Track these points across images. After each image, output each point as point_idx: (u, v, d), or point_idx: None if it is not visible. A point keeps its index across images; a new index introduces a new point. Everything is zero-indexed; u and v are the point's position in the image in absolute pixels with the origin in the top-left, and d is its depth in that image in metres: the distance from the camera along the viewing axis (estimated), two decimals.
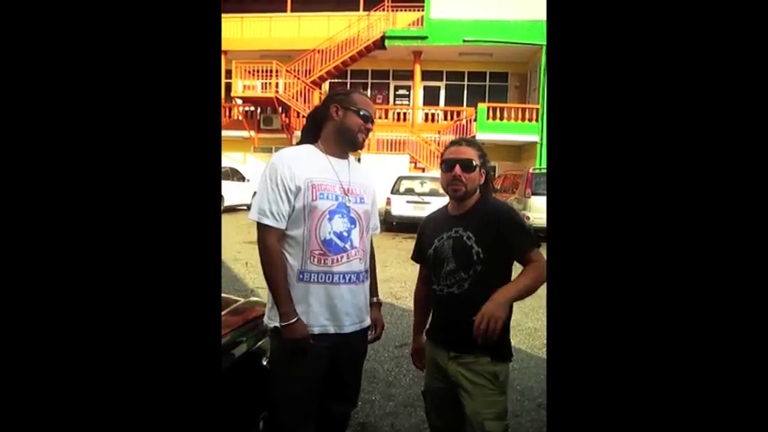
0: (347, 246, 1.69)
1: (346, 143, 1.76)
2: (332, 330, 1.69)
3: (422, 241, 1.87)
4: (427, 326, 1.91)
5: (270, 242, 1.64)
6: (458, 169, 1.69)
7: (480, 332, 1.47)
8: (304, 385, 1.68)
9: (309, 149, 1.76)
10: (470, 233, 1.68)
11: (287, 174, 1.65)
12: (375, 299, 1.90)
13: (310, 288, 1.66)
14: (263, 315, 1.77)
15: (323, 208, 1.66)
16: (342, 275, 1.69)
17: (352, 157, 1.85)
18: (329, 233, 1.66)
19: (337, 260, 1.68)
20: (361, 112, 1.73)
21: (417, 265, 1.99)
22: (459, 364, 1.69)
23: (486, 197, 1.80)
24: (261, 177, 1.69)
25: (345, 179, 1.74)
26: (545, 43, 14.24)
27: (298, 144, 1.83)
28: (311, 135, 1.81)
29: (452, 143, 1.81)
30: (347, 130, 1.73)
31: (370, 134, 1.93)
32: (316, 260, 1.66)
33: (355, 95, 1.77)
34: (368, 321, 1.83)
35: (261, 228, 1.65)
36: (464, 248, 1.68)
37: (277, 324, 1.66)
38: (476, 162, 1.71)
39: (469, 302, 1.60)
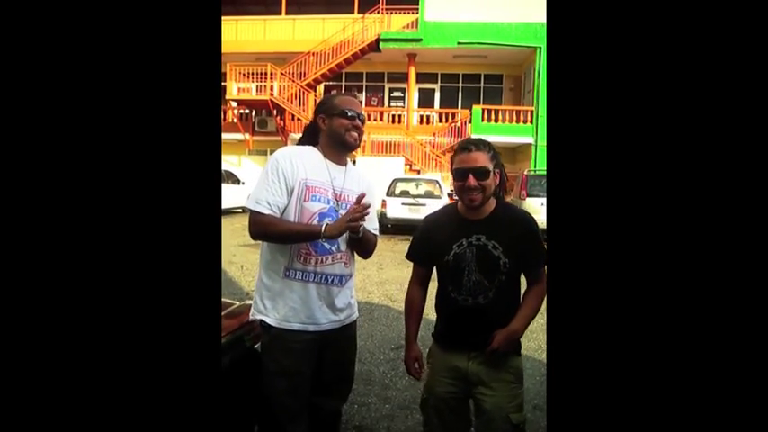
0: (333, 249, 1.73)
1: (339, 146, 1.79)
2: (311, 328, 1.72)
3: (429, 244, 1.78)
4: (424, 331, 1.87)
5: (262, 218, 1.65)
6: (472, 180, 1.61)
7: (489, 352, 1.62)
8: (292, 380, 1.70)
9: (311, 150, 1.80)
10: (495, 243, 1.65)
11: (288, 168, 1.68)
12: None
13: (293, 285, 1.70)
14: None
15: (313, 210, 1.70)
16: (324, 276, 1.72)
17: (351, 164, 1.88)
18: None
19: (322, 261, 1.72)
20: (347, 113, 1.75)
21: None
22: (480, 363, 1.68)
23: (503, 202, 1.75)
24: (262, 171, 1.73)
25: (339, 185, 1.77)
26: (539, 45, 14.48)
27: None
28: (310, 143, 1.84)
29: (462, 149, 1.68)
30: (335, 134, 1.76)
31: (366, 135, 1.94)
32: (302, 258, 1.70)
33: (337, 99, 1.81)
34: (352, 318, 1.86)
35: (254, 214, 1.67)
36: (490, 258, 1.64)
37: (265, 317, 1.71)
38: (489, 167, 1.63)
39: (495, 310, 1.68)
